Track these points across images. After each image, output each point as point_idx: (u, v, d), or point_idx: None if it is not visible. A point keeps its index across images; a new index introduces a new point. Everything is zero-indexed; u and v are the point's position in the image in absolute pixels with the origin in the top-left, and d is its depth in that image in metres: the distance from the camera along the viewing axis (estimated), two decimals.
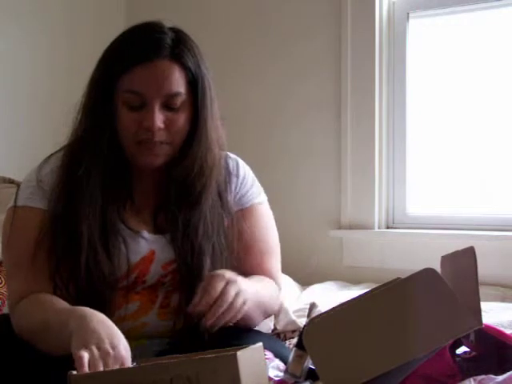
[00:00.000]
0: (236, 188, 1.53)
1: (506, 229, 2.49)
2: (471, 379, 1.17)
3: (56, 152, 1.48)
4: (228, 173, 1.52)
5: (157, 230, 1.47)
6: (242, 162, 1.58)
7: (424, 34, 2.72)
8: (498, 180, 2.58)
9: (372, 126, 2.69)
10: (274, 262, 1.58)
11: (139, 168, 1.45)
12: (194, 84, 1.40)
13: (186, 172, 1.42)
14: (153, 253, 1.45)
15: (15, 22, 2.87)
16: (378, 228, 2.70)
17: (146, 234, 1.46)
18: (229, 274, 1.34)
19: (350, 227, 2.74)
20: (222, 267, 1.43)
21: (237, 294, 1.31)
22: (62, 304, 1.34)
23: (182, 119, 1.39)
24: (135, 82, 1.36)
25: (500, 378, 1.15)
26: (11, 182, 2.64)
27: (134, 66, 1.36)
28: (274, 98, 2.90)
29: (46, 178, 1.42)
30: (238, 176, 1.54)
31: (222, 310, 1.29)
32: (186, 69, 1.39)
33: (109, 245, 1.40)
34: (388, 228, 2.72)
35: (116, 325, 1.23)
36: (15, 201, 1.43)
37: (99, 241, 1.39)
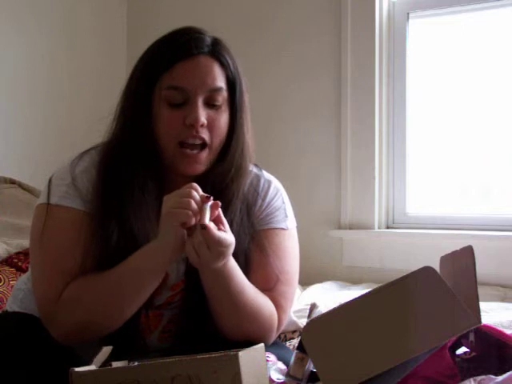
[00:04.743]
0: (259, 210, 1.44)
1: (506, 229, 2.49)
2: (471, 379, 1.18)
3: (89, 150, 1.41)
4: (256, 193, 1.45)
5: None
6: (274, 186, 1.50)
7: (424, 34, 2.73)
8: (498, 180, 2.59)
9: (372, 126, 2.69)
10: (282, 289, 1.42)
11: (174, 178, 1.37)
12: (233, 85, 1.37)
13: (222, 177, 1.36)
14: (167, 276, 1.36)
15: (14, 23, 2.88)
16: (378, 228, 2.70)
17: None
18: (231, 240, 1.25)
19: (350, 227, 2.74)
20: None
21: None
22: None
23: (223, 119, 1.35)
24: (177, 77, 1.32)
25: (500, 378, 1.15)
26: (12, 182, 2.64)
27: (176, 63, 1.32)
28: (274, 98, 2.90)
29: (79, 177, 1.35)
30: (263, 199, 1.46)
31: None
32: (225, 67, 1.36)
33: None
34: (388, 228, 2.73)
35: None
36: (48, 198, 1.34)
37: None
